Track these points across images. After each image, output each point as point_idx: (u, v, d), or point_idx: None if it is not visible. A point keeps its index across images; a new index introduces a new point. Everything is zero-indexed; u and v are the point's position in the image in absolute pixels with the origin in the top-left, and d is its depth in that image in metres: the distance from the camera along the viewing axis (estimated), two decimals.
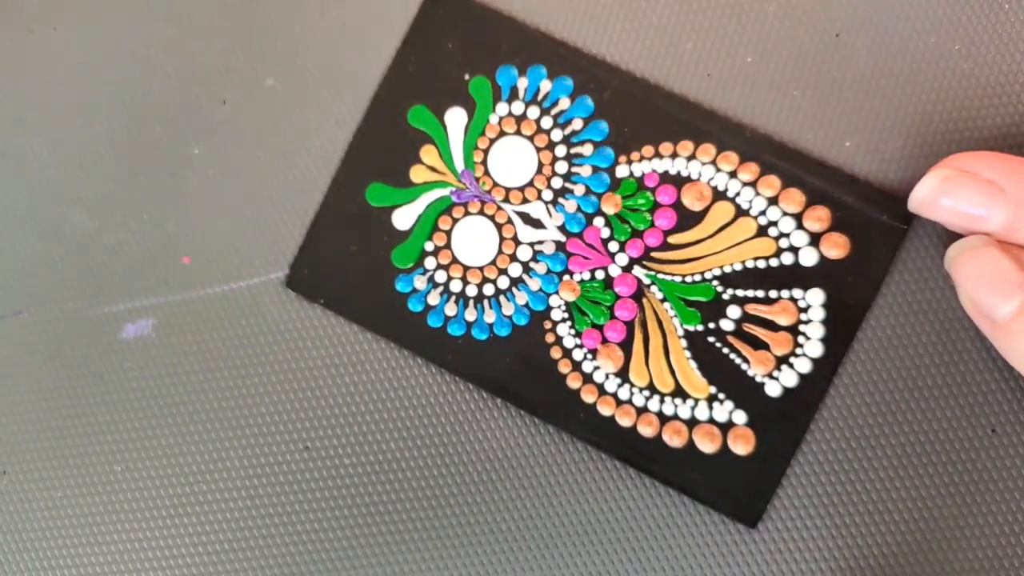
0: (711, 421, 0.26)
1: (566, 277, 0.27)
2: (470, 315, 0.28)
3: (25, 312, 0.29)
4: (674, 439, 0.26)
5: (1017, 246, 0.24)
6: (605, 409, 0.27)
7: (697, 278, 0.27)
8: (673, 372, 0.27)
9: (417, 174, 0.28)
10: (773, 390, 0.26)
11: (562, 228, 0.28)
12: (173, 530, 0.28)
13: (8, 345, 0.29)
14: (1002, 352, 0.24)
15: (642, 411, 0.27)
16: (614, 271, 0.27)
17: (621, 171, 0.27)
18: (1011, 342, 0.24)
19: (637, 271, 0.27)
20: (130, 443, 0.29)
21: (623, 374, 0.27)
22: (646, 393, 0.27)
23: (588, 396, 0.27)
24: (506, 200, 0.28)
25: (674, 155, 0.27)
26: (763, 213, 0.27)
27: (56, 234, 0.29)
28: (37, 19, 0.30)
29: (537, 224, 0.28)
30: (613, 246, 0.27)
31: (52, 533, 0.29)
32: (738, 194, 0.27)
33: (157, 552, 0.28)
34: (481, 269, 0.28)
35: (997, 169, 0.24)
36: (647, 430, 0.27)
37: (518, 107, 0.28)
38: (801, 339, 0.26)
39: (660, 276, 0.27)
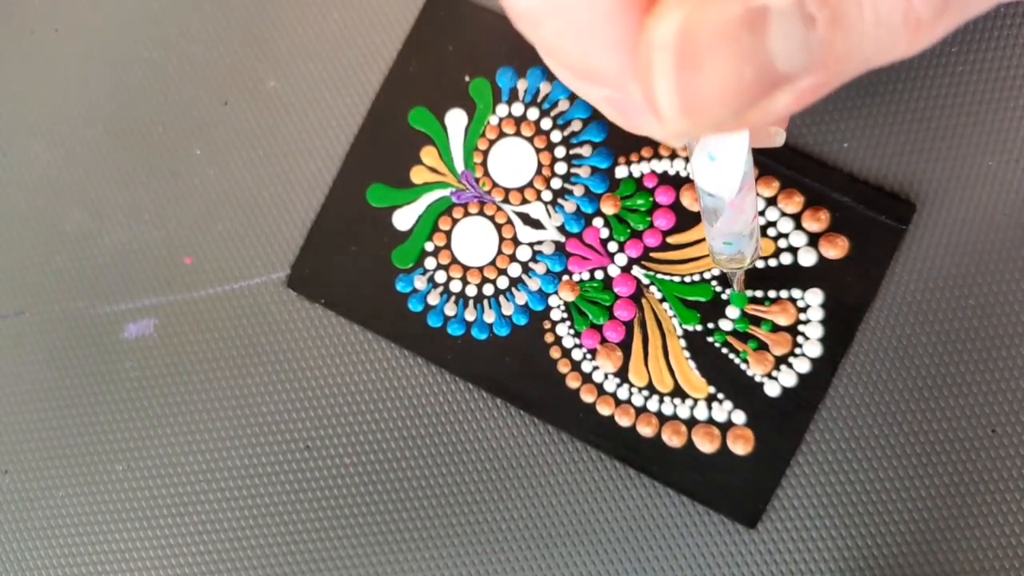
0: (710, 421, 0.26)
1: (565, 277, 0.27)
2: (470, 315, 0.28)
3: (26, 312, 0.29)
4: (673, 439, 0.26)
5: None
6: (604, 409, 0.27)
7: (696, 278, 0.27)
8: (672, 372, 0.27)
9: (417, 175, 0.28)
10: (772, 390, 0.26)
11: (561, 228, 0.28)
12: (174, 529, 0.28)
13: (9, 345, 0.29)
14: None
15: (641, 411, 0.27)
16: (613, 271, 0.27)
17: (620, 172, 0.28)
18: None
19: (636, 271, 0.27)
20: (131, 442, 0.29)
21: (622, 374, 0.27)
22: (645, 393, 0.27)
23: (587, 396, 0.27)
24: (506, 201, 0.28)
25: (673, 156, 0.27)
26: (762, 214, 0.27)
27: (57, 234, 0.30)
28: (38, 20, 0.30)
29: (536, 224, 0.28)
30: (612, 246, 0.27)
31: (54, 532, 0.29)
32: None
33: (158, 551, 0.28)
34: (481, 269, 0.28)
35: None
36: (646, 430, 0.27)
37: (518, 108, 0.28)
38: (800, 339, 0.26)
39: (659, 276, 0.27)
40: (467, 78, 0.28)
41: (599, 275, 0.27)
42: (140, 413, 0.29)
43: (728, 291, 0.27)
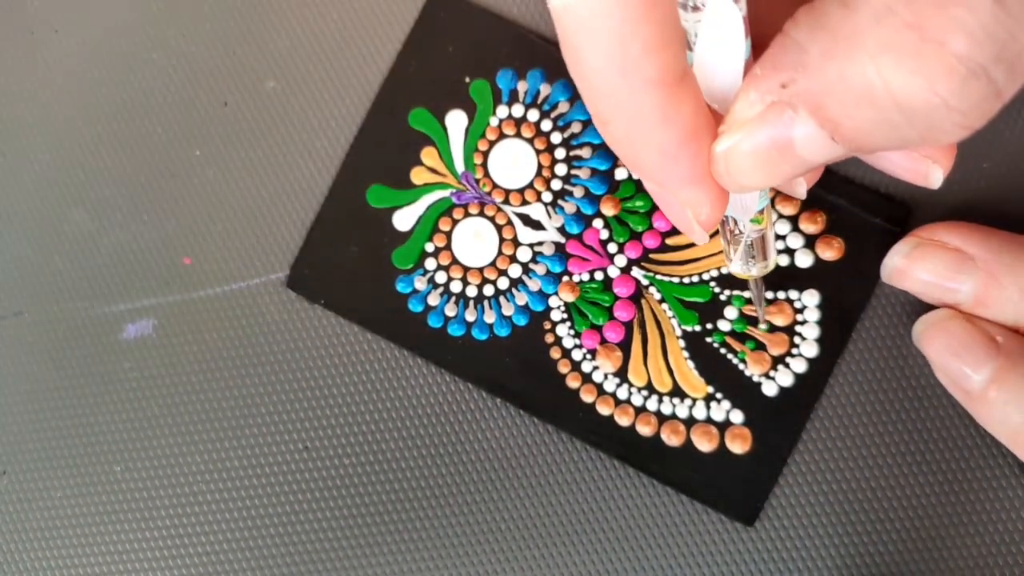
0: (709, 420, 0.27)
1: (565, 278, 0.28)
2: (470, 316, 0.28)
3: (25, 312, 0.29)
4: (672, 438, 0.27)
5: (985, 320, 0.25)
6: (604, 409, 0.27)
7: (695, 279, 0.27)
8: (671, 372, 0.27)
9: (418, 176, 0.28)
10: (770, 390, 0.27)
11: (561, 229, 0.28)
12: (173, 530, 0.28)
13: (8, 345, 0.29)
14: (979, 421, 0.25)
15: (640, 411, 0.27)
16: (613, 272, 0.28)
17: (620, 173, 0.28)
18: (987, 411, 0.24)
19: (636, 272, 0.27)
20: (130, 443, 0.29)
21: (622, 374, 0.27)
22: (644, 393, 0.27)
23: (587, 396, 0.27)
24: (506, 202, 0.28)
25: None
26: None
27: (56, 234, 0.29)
28: (38, 20, 0.30)
29: (537, 225, 0.28)
30: (612, 247, 0.28)
31: (52, 533, 0.29)
32: None
33: (157, 552, 0.28)
34: (481, 270, 0.28)
35: (966, 238, 0.25)
36: (645, 429, 0.27)
37: (518, 110, 0.28)
38: (797, 339, 0.27)
39: (658, 277, 0.27)
40: (467, 79, 0.28)
41: (599, 276, 0.28)
42: (139, 414, 0.29)
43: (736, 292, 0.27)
